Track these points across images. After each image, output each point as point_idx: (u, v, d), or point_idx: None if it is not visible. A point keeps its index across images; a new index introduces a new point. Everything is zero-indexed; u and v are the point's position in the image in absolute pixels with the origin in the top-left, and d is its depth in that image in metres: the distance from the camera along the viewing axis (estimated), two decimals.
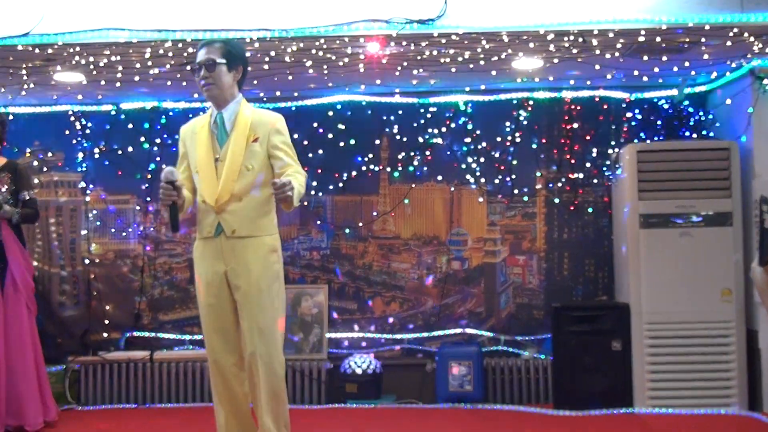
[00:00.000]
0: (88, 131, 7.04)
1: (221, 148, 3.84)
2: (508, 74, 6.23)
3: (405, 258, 6.91)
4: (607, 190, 6.77)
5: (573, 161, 6.83)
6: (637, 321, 6.03)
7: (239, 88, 3.97)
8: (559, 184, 6.84)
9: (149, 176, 6.94)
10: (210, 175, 3.82)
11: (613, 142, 6.75)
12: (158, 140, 6.96)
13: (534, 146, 6.85)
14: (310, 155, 6.83)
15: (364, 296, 6.92)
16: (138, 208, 7.02)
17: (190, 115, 6.80)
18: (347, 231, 6.94)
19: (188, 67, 5.67)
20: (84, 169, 7.06)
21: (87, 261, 7.04)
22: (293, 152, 3.91)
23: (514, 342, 6.75)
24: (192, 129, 3.99)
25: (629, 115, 6.78)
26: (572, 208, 6.82)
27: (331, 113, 6.89)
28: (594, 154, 6.80)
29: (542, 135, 6.86)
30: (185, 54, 5.46)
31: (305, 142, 6.81)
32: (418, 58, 5.72)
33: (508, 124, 6.85)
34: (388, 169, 6.92)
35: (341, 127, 6.89)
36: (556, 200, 6.84)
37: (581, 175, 6.82)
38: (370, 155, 6.92)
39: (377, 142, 6.92)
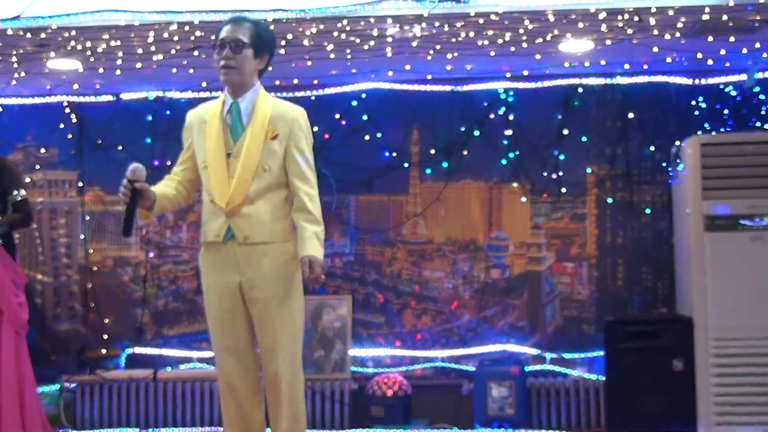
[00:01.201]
0: (84, 124, 7.11)
1: (235, 143, 3.82)
2: (555, 58, 6.21)
3: (438, 265, 6.91)
4: (668, 189, 6.72)
5: (628, 156, 6.78)
6: (702, 337, 5.97)
7: (259, 77, 3.95)
8: (613, 182, 6.80)
9: (152, 173, 6.98)
10: (221, 172, 3.80)
11: (673, 135, 6.69)
12: (163, 134, 7.01)
13: (584, 139, 6.81)
14: (332, 150, 6.85)
15: (392, 308, 6.92)
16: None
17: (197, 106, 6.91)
18: (373, 235, 6.94)
19: (193, 49, 5.71)
20: (80, 166, 7.12)
21: (83, 269, 7.10)
22: (312, 158, 3.88)
23: (561, 360, 6.72)
24: (201, 116, 3.96)
25: (692, 103, 6.72)
26: (627, 209, 6.78)
27: (355, 103, 6.90)
28: (652, 148, 6.76)
29: (593, 126, 6.83)
30: (192, 38, 5.50)
31: (326, 136, 6.83)
32: (453, 40, 5.71)
33: (554, 114, 6.83)
34: (419, 166, 6.92)
35: (366, 118, 6.90)
36: (609, 200, 6.80)
37: (638, 172, 6.78)
38: (399, 150, 6.92)
39: (407, 135, 6.92)
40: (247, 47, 3.78)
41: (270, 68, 3.98)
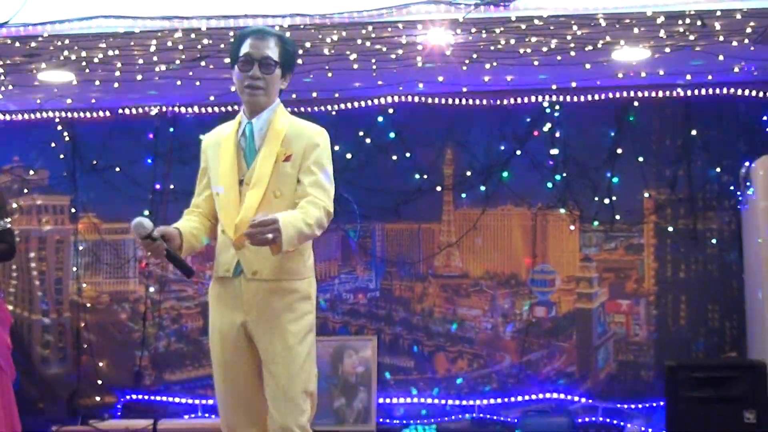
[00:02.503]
0: (78, 143, 7.17)
1: (248, 168, 3.85)
2: (607, 68, 6.21)
3: (475, 302, 6.90)
4: (736, 216, 6.69)
5: (691, 179, 6.76)
6: None
7: (278, 96, 3.98)
8: (674, 208, 6.78)
9: (153, 198, 7.02)
10: (232, 200, 3.81)
11: (742, 154, 6.67)
12: (166, 154, 7.05)
13: (640, 159, 6.80)
14: (355, 172, 6.86)
15: (423, 351, 6.90)
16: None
17: (205, 123, 6.95)
18: (401, 268, 6.94)
19: (200, 59, 5.75)
20: (73, 190, 7.18)
21: (76, 305, 7.13)
22: (326, 175, 3.82)
23: (615, 411, 6.68)
24: (216, 140, 3.97)
25: (763, 119, 6.69)
26: (691, 238, 6.75)
27: (381, 119, 6.93)
28: (718, 170, 6.74)
29: (651, 145, 6.81)
30: (199, 47, 5.54)
31: (348, 156, 6.84)
32: (492, 48, 5.73)
33: (606, 131, 6.82)
34: (454, 190, 6.93)
35: (393, 136, 6.92)
36: (670, 228, 6.78)
37: (702, 197, 6.75)
38: (431, 172, 6.93)
39: (439, 155, 6.93)
40: (277, 66, 3.81)
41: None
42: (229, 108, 6.81)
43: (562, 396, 6.73)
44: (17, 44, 5.49)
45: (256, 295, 3.80)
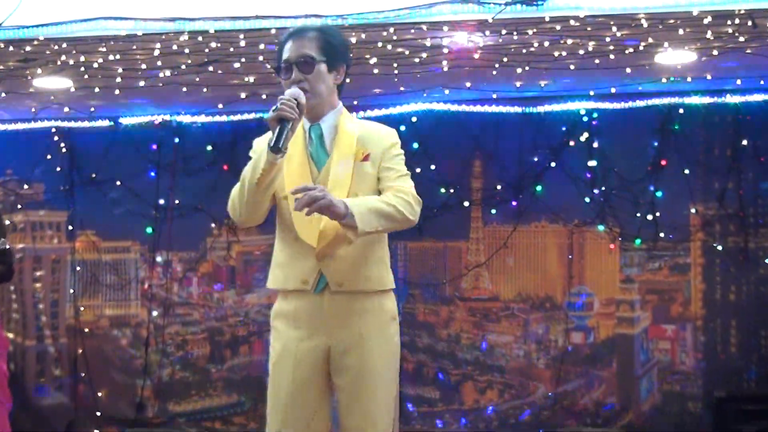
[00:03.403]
0: (76, 155, 7.20)
1: (320, 171, 3.86)
2: (649, 72, 6.20)
3: (506, 327, 6.88)
4: None
5: (742, 192, 6.73)
6: None
7: (339, 95, 3.99)
8: (723, 225, 6.75)
9: (157, 213, 7.04)
10: None
11: None
12: (169, 166, 7.07)
13: (686, 171, 6.78)
14: None
15: (449, 380, 6.89)
16: (142, 258, 7.12)
17: (212, 133, 6.97)
18: (426, 290, 6.93)
19: (207, 63, 5.77)
20: (71, 206, 7.21)
21: (73, 330, 7.14)
22: (405, 172, 3.84)
23: None
24: None
25: None
26: (741, 257, 6.72)
27: (403, 128, 6.91)
28: None
29: (698, 156, 6.79)
30: (206, 50, 5.56)
31: None
32: (524, 51, 5.72)
33: (649, 140, 6.81)
34: (483, 205, 6.92)
35: (417, 146, 6.92)
36: (719, 247, 6.75)
37: (754, 212, 6.72)
38: (458, 185, 6.93)
39: (467, 167, 6.93)
40: (318, 62, 3.80)
41: (348, 80, 3.98)
42: (239, 117, 6.85)
43: (601, 430, 6.70)
44: (11, 48, 5.52)
45: (343, 313, 3.74)
